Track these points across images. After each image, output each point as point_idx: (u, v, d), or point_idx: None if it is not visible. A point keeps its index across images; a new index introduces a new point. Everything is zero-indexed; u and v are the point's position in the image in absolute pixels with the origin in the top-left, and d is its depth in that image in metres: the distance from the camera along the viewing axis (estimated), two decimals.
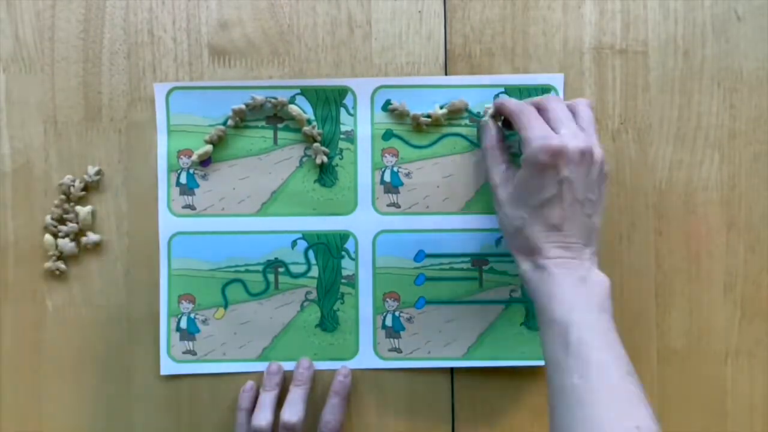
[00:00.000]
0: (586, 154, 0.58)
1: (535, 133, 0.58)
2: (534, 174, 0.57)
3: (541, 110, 0.60)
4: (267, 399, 0.65)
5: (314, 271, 0.68)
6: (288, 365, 0.68)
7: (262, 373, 0.67)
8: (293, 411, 0.63)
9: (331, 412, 0.65)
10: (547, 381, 0.55)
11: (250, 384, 0.67)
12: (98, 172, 0.67)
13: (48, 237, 0.67)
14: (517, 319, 0.68)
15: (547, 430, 0.68)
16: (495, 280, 0.68)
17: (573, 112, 0.60)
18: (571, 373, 0.52)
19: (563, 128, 0.58)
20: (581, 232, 0.58)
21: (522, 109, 0.60)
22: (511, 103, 0.62)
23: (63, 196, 0.67)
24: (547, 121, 0.59)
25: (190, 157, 0.67)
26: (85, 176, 0.67)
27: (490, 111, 0.65)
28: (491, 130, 0.64)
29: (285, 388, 0.66)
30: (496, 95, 0.67)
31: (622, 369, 0.53)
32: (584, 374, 0.52)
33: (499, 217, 0.61)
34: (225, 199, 0.68)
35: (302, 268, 0.68)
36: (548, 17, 0.68)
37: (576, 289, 0.56)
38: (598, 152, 0.59)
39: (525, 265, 0.59)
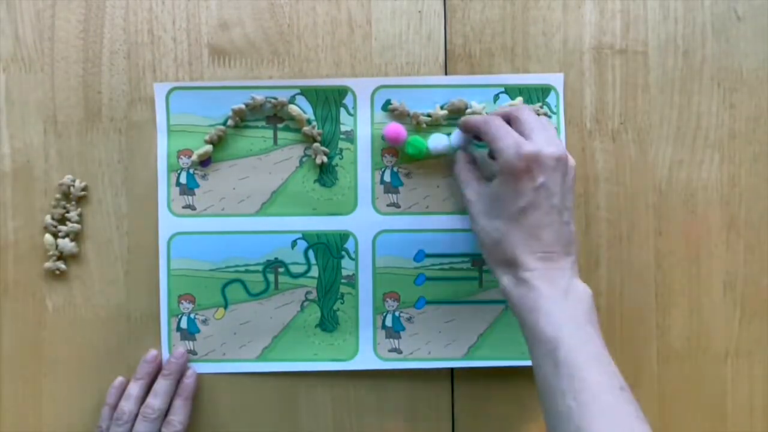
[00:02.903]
0: (561, 160, 0.57)
1: (507, 141, 0.57)
2: (509, 182, 0.57)
3: (511, 121, 0.60)
4: (133, 389, 0.66)
5: (314, 271, 0.68)
6: (287, 365, 0.68)
7: (261, 373, 0.67)
8: (155, 402, 0.64)
9: (173, 413, 0.65)
10: (540, 401, 0.54)
11: (119, 381, 0.67)
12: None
13: (48, 237, 0.67)
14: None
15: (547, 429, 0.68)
16: (495, 280, 0.67)
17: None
18: (564, 395, 0.51)
19: (536, 135, 0.57)
20: (560, 241, 0.57)
21: (489, 120, 0.60)
22: (477, 118, 0.62)
23: (62, 196, 0.67)
24: (520, 131, 0.58)
25: (190, 157, 0.67)
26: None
27: (454, 137, 0.65)
28: (459, 152, 0.64)
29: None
30: (496, 95, 0.67)
31: (615, 386, 0.52)
32: (577, 396, 0.50)
33: (475, 232, 0.60)
34: (225, 199, 0.68)
35: (302, 268, 0.68)
36: (548, 17, 0.68)
37: (561, 303, 0.55)
38: (571, 159, 0.59)
39: (506, 279, 0.58)
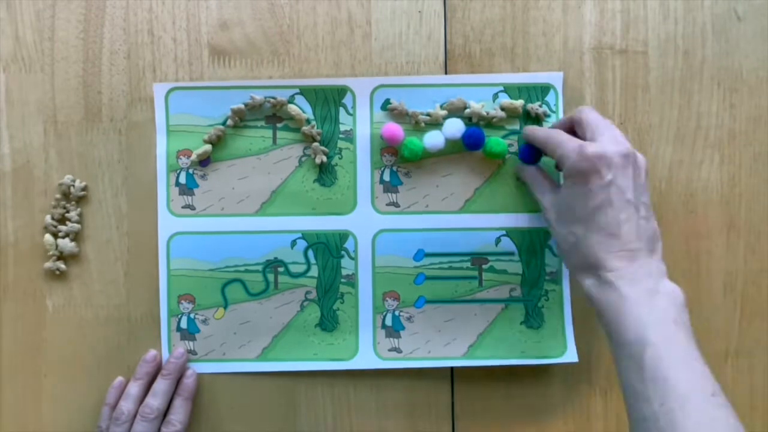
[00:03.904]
0: (629, 157, 0.56)
1: (568, 147, 0.57)
2: (577, 185, 0.56)
3: (575, 125, 0.60)
4: (133, 389, 0.66)
5: (314, 271, 0.68)
6: (287, 365, 0.68)
7: (261, 373, 0.67)
8: (154, 402, 0.64)
9: (173, 413, 0.65)
10: (626, 410, 0.52)
11: (119, 381, 0.67)
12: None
13: (48, 237, 0.67)
14: (517, 318, 0.68)
15: (547, 429, 0.68)
16: (495, 279, 0.68)
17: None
18: (650, 401, 0.48)
19: (600, 136, 0.57)
20: (642, 237, 0.55)
21: (549, 132, 0.61)
22: (537, 133, 0.63)
23: (62, 196, 0.67)
24: (583, 134, 0.58)
25: (189, 157, 0.67)
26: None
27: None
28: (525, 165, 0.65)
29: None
30: (495, 94, 0.67)
31: (707, 390, 0.48)
32: (665, 401, 0.47)
33: (554, 238, 0.62)
34: (224, 199, 0.68)
35: (302, 268, 0.68)
36: (548, 17, 0.68)
37: (645, 304, 0.52)
38: (641, 157, 0.58)
39: (588, 283, 0.56)
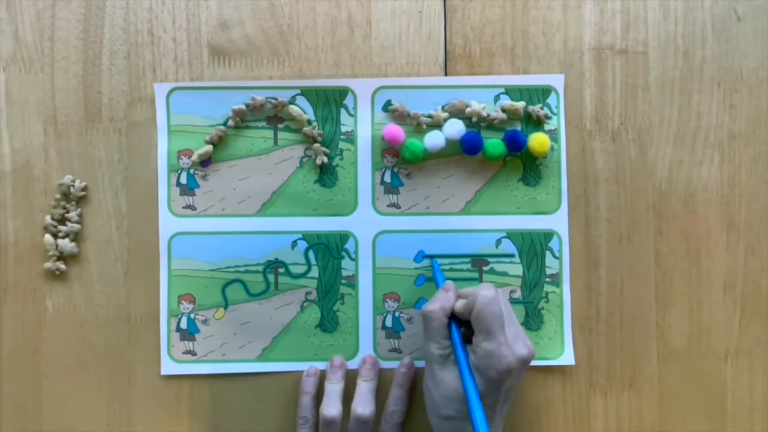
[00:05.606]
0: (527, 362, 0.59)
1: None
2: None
3: (473, 319, 0.59)
4: (335, 390, 0.65)
5: (314, 272, 0.68)
6: (293, 365, 0.68)
7: (261, 373, 0.67)
8: (365, 405, 0.64)
9: (395, 404, 0.65)
10: None
11: (314, 369, 0.67)
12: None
13: (48, 237, 0.67)
14: (518, 319, 0.67)
15: (547, 429, 0.68)
16: (495, 281, 0.68)
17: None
18: None
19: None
20: None
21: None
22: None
23: (62, 196, 0.67)
24: (480, 326, 0.59)
25: (190, 157, 0.67)
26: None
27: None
28: (450, 297, 0.62)
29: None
30: (496, 96, 0.67)
31: None
32: None
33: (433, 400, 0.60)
34: (225, 199, 0.68)
35: (302, 269, 0.68)
36: (548, 17, 0.68)
37: None
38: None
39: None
